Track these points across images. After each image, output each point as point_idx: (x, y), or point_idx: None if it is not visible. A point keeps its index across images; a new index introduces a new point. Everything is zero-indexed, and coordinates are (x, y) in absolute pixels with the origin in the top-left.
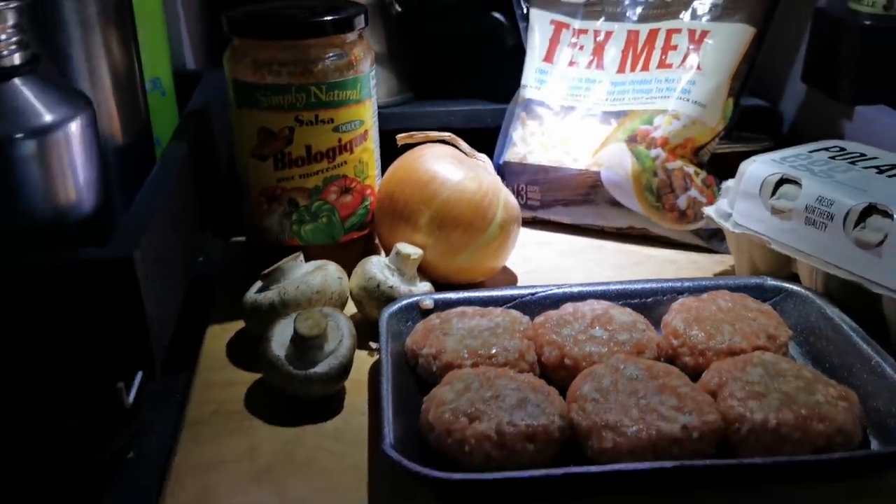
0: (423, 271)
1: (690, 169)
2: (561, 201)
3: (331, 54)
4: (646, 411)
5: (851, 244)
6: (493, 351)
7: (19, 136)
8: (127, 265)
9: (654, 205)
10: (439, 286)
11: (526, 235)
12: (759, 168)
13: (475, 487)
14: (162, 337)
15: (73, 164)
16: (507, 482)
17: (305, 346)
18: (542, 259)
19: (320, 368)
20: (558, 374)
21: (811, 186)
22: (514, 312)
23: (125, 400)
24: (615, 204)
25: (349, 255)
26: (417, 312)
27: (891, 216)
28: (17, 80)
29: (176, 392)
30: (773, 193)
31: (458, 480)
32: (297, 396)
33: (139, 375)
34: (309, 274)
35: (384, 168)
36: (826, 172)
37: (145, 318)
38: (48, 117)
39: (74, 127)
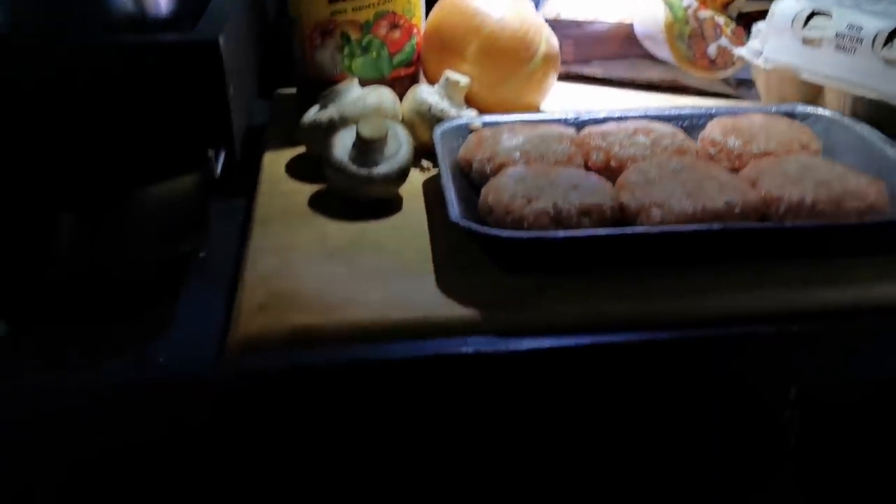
0: (468, 103)
1: (721, 19)
2: (595, 55)
3: None
4: (690, 193)
5: (879, 64)
6: (544, 153)
7: None
8: (213, 46)
9: (685, 54)
10: None
11: (560, 89)
12: (790, 4)
13: (540, 246)
14: (239, 119)
15: None
16: (569, 241)
17: (367, 149)
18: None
19: (381, 169)
20: (604, 176)
21: (841, 15)
22: (561, 127)
23: (214, 170)
24: (647, 56)
25: (396, 92)
26: (468, 132)
27: None
28: None
29: (238, 213)
30: (805, 26)
31: (527, 239)
32: (359, 197)
33: (223, 154)
34: (365, 95)
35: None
36: (854, 5)
37: (226, 94)
38: None
39: None
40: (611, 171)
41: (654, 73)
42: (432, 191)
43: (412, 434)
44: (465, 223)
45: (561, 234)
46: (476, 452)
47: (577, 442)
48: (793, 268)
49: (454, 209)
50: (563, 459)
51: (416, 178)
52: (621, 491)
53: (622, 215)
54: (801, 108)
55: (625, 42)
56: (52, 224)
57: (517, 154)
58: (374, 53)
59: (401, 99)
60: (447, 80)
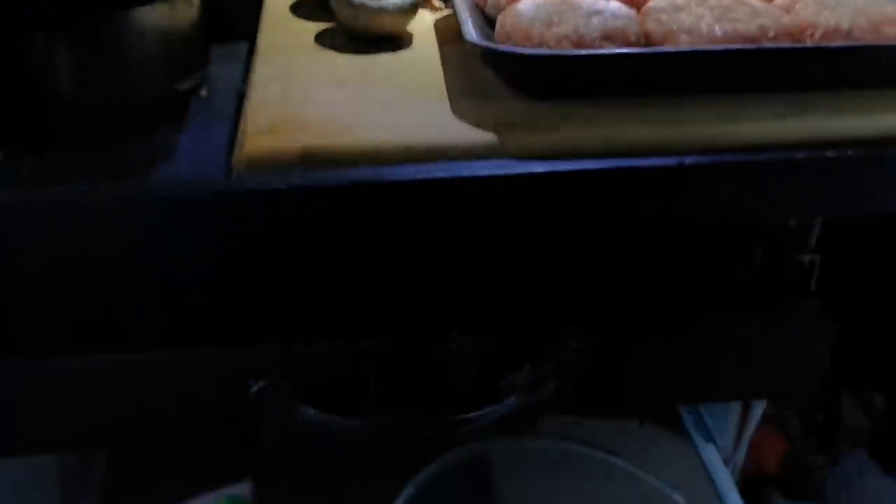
0: None
1: None
2: None
3: None
4: (720, 18)
5: None
6: None
7: None
8: None
9: None
10: None
11: None
12: None
13: (562, 65)
14: None
15: None
16: (592, 59)
17: None
18: None
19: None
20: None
21: None
22: None
23: None
24: None
25: None
26: None
27: None
28: None
29: (240, 55)
30: None
31: (549, 57)
32: (368, 32)
33: None
34: None
35: None
36: None
37: None
38: None
39: None
40: (633, 3)
41: None
42: (445, 28)
43: (421, 256)
44: (483, 43)
45: (584, 51)
46: (490, 275)
47: (592, 268)
48: (825, 98)
49: (471, 32)
50: (578, 286)
51: (427, 19)
52: (637, 318)
53: (647, 43)
54: None
55: None
56: (42, 46)
57: None
58: None
59: None
60: None
